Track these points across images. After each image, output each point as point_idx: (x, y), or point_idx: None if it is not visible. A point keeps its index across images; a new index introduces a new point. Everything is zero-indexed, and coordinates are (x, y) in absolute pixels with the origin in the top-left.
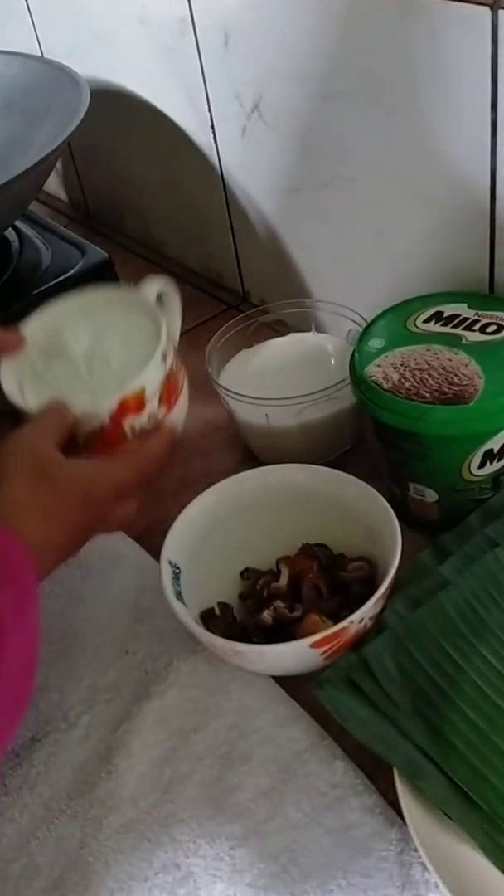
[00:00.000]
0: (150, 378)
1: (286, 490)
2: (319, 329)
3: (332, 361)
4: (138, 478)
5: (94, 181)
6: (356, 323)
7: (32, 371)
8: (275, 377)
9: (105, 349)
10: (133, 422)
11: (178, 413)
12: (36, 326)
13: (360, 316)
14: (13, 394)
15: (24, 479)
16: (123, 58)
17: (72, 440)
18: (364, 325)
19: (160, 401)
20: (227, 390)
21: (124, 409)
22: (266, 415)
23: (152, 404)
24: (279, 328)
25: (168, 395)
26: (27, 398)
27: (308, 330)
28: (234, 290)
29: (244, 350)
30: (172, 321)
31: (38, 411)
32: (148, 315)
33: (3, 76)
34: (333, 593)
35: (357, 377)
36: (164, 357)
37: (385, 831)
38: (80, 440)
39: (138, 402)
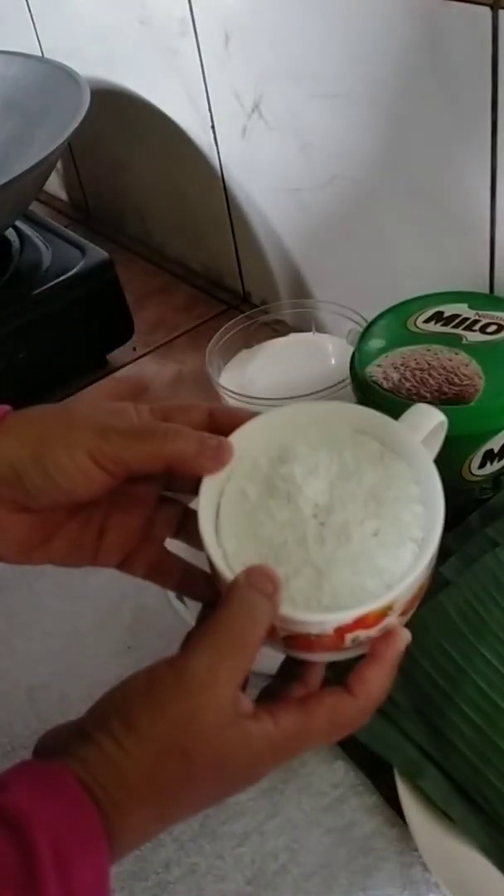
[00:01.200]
0: (405, 593)
1: None
2: (319, 329)
3: (332, 361)
4: (334, 739)
5: (94, 181)
6: (356, 323)
7: (238, 504)
8: (275, 377)
9: (347, 509)
10: (359, 634)
11: (409, 616)
12: (254, 435)
13: (361, 316)
14: (212, 541)
15: (160, 750)
16: (123, 58)
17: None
18: (364, 325)
19: (401, 613)
20: (228, 390)
21: (358, 624)
22: None
23: (391, 619)
24: (279, 328)
25: (411, 604)
26: (225, 542)
27: (308, 330)
28: (234, 290)
29: (244, 350)
30: (439, 490)
31: (237, 602)
32: (410, 467)
33: (3, 76)
34: None
35: (357, 377)
36: (430, 563)
37: (385, 831)
38: (277, 632)
39: (378, 619)
